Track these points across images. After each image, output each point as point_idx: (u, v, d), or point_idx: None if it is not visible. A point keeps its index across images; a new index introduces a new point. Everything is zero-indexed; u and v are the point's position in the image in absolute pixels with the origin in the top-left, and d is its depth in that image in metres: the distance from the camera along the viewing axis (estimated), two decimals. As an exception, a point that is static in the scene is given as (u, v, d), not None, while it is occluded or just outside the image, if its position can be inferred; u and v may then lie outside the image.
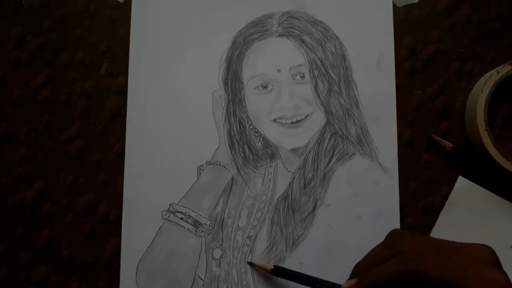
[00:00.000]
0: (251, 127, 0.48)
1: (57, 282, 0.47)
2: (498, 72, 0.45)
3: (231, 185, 0.48)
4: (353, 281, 0.39)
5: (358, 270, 0.41)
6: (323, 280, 0.44)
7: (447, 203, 0.47)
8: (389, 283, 0.37)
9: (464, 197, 0.47)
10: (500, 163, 0.45)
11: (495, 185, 0.47)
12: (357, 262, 0.42)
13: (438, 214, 0.47)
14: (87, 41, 0.50)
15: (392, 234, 0.41)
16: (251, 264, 0.46)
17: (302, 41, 0.49)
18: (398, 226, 0.47)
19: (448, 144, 0.47)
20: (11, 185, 0.48)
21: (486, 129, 0.45)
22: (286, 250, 0.46)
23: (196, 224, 0.47)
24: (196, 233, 0.47)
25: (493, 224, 0.47)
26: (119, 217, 0.47)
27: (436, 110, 0.49)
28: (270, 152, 0.48)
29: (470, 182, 0.47)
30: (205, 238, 0.47)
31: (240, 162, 0.48)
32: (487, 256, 0.36)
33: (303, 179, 0.47)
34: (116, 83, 0.49)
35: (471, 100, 0.48)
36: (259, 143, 0.48)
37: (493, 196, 0.47)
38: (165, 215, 0.47)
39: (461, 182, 0.47)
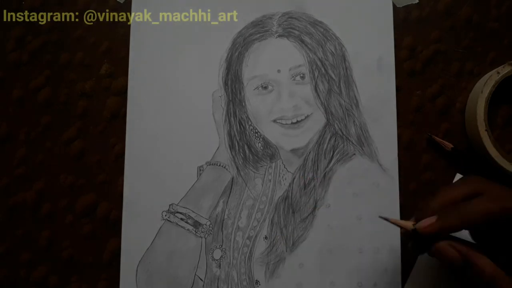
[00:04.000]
0: (251, 127, 0.48)
1: (57, 282, 0.47)
2: (498, 73, 0.45)
3: (231, 185, 0.48)
4: (432, 219, 0.34)
5: (432, 210, 0.35)
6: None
7: None
8: (479, 222, 0.33)
9: None
10: (500, 164, 0.45)
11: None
12: (425, 201, 0.36)
13: (438, 215, 0.47)
14: (87, 42, 0.50)
15: (469, 177, 0.37)
16: (385, 219, 0.37)
17: (302, 41, 0.49)
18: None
19: (448, 145, 0.47)
20: (11, 185, 0.48)
21: (486, 130, 0.45)
22: (286, 251, 0.46)
23: (196, 224, 0.47)
24: (196, 234, 0.47)
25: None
26: (119, 217, 0.47)
27: (436, 111, 0.49)
28: (270, 152, 0.48)
29: None
30: (205, 238, 0.47)
31: (240, 162, 0.48)
32: None
33: (303, 180, 0.47)
34: (116, 83, 0.49)
35: (471, 101, 0.48)
36: (259, 144, 0.48)
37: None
38: (165, 215, 0.47)
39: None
